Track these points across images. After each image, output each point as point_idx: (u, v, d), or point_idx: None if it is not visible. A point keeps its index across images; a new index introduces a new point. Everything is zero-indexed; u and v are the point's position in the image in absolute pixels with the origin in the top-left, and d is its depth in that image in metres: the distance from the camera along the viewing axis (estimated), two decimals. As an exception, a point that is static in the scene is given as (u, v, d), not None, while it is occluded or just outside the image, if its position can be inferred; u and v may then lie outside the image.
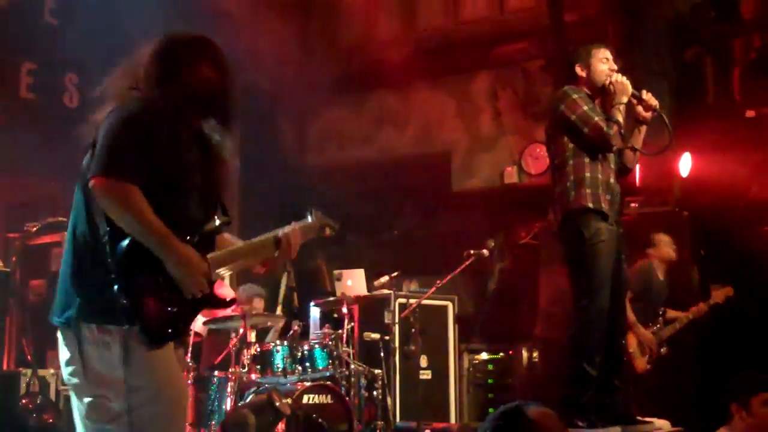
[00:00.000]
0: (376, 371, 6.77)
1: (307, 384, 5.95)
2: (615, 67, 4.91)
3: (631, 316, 6.84)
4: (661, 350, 7.01)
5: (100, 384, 2.72)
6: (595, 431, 4.58)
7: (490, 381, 8.38)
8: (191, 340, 6.28)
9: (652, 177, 7.84)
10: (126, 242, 2.68)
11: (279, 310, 6.79)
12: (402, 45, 9.95)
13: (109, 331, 2.70)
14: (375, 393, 6.74)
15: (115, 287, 2.65)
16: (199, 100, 2.91)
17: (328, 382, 6.17)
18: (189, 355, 6.09)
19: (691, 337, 7.19)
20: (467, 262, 6.58)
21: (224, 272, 3.07)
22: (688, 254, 7.55)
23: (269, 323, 6.88)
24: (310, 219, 3.33)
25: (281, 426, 5.62)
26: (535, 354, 8.19)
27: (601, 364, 4.76)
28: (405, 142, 10.27)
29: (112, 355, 2.70)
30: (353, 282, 7.95)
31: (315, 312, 7.75)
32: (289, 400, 5.64)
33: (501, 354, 8.46)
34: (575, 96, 4.83)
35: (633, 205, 7.51)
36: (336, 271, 8.31)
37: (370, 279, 7.59)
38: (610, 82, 4.84)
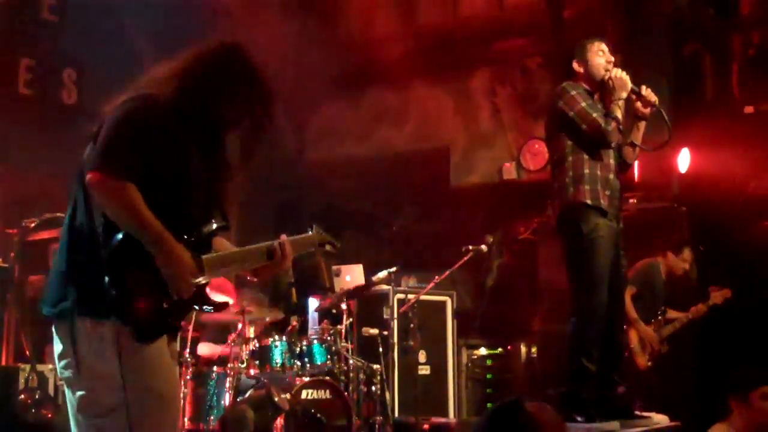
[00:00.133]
0: (375, 366, 6.78)
1: (306, 379, 5.96)
2: (611, 59, 4.91)
3: (632, 312, 6.86)
4: (662, 348, 7.03)
5: (94, 377, 2.72)
6: (594, 426, 4.58)
7: (488, 376, 8.39)
8: (190, 335, 6.28)
9: (651, 173, 7.84)
10: (120, 235, 2.69)
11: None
12: (400, 41, 9.94)
13: (103, 324, 2.70)
14: (374, 388, 6.75)
15: (106, 279, 2.65)
16: (215, 110, 2.91)
17: (327, 378, 6.18)
18: (187, 350, 6.10)
19: (690, 333, 7.20)
20: (466, 258, 6.59)
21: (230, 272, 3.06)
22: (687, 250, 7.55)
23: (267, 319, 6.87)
24: (309, 234, 3.36)
25: (280, 421, 5.63)
26: (533, 349, 8.20)
27: (599, 359, 4.77)
28: (403, 139, 10.26)
29: (105, 348, 2.70)
30: (352, 277, 7.96)
31: (314, 307, 7.75)
32: (287, 396, 5.66)
33: (499, 349, 8.47)
34: (573, 92, 4.83)
35: (631, 200, 7.51)
36: (335, 267, 8.32)
37: (368, 274, 7.60)
38: (610, 78, 4.84)
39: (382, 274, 7.04)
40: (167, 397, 2.81)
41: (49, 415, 5.66)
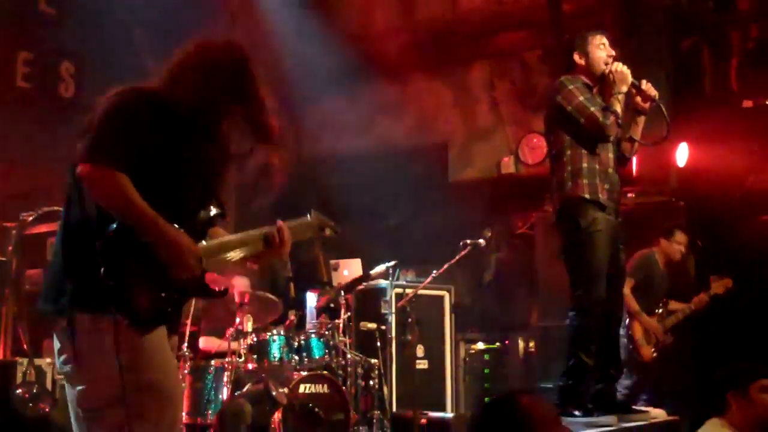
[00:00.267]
0: (373, 361, 6.78)
1: (304, 373, 5.96)
2: (612, 53, 4.90)
3: (634, 305, 6.87)
4: (666, 338, 7.03)
5: (93, 372, 2.72)
6: (591, 420, 4.59)
7: (486, 371, 8.40)
8: (188, 329, 6.28)
9: (649, 167, 7.84)
10: (114, 225, 2.69)
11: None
12: (399, 35, 9.93)
13: (102, 318, 2.70)
14: (371, 382, 6.75)
15: (102, 270, 2.65)
16: (211, 100, 2.90)
17: (325, 372, 6.18)
18: (185, 344, 6.10)
19: (689, 328, 7.21)
20: (464, 252, 6.58)
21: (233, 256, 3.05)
22: (686, 245, 7.55)
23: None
24: (308, 218, 3.33)
25: (278, 415, 5.63)
26: (531, 344, 8.20)
27: (597, 353, 4.77)
28: (402, 133, 10.25)
29: (104, 342, 2.70)
30: (350, 272, 7.96)
31: (311, 301, 7.75)
32: (285, 390, 5.66)
33: (497, 344, 8.47)
34: (571, 86, 4.82)
35: (630, 195, 7.51)
36: (333, 261, 8.31)
37: (366, 269, 7.59)
38: (610, 71, 4.82)
39: (380, 268, 7.04)
40: (167, 391, 2.80)
41: (47, 409, 5.65)
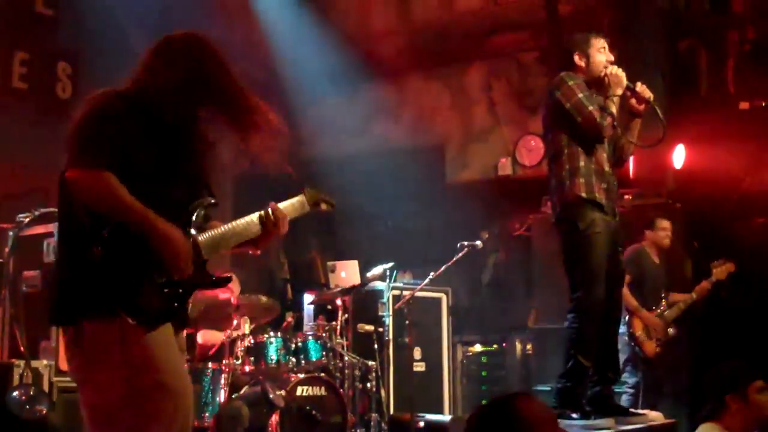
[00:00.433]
0: (370, 363, 6.77)
1: (301, 376, 5.95)
2: (611, 57, 4.89)
3: (632, 301, 6.85)
4: (669, 331, 6.98)
5: (103, 376, 2.74)
6: (589, 423, 4.58)
7: (483, 373, 8.40)
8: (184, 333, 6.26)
9: (646, 169, 7.85)
10: (108, 228, 2.71)
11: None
12: (396, 36, 9.93)
13: (108, 323, 2.71)
14: (369, 385, 6.75)
15: (101, 273, 2.68)
16: (182, 92, 2.91)
17: (322, 374, 6.17)
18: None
19: (687, 330, 7.21)
20: (461, 254, 6.58)
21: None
22: (681, 246, 7.57)
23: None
24: (302, 195, 3.33)
25: (275, 418, 5.62)
26: (528, 346, 8.19)
27: (595, 355, 4.76)
28: (399, 134, 10.25)
29: (112, 347, 2.72)
30: (347, 273, 7.95)
31: (309, 303, 7.74)
32: (282, 392, 5.65)
33: (494, 346, 8.48)
34: (571, 82, 4.79)
35: (626, 197, 7.50)
36: (330, 263, 8.31)
37: (363, 271, 7.59)
38: (605, 74, 4.82)
39: (378, 270, 7.03)
40: (176, 391, 2.81)
41: (44, 412, 5.62)
